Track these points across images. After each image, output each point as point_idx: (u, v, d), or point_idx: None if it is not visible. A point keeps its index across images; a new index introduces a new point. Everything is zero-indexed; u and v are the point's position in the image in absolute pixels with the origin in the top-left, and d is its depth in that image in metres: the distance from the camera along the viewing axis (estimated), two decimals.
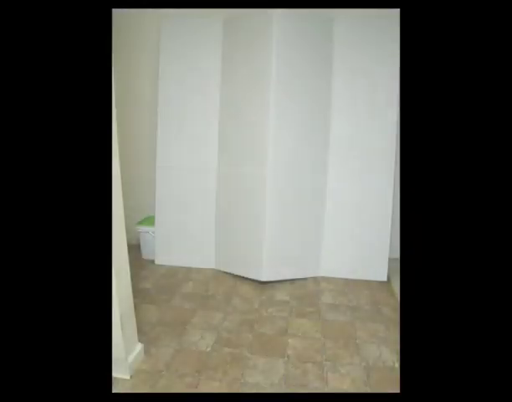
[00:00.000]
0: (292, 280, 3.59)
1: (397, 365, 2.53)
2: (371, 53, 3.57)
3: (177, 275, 3.85)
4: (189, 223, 3.98)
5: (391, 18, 3.34)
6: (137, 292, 3.26)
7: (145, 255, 4.23)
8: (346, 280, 3.82)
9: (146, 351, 2.61)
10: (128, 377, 2.36)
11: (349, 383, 2.38)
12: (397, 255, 3.89)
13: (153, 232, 4.10)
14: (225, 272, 3.90)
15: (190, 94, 3.81)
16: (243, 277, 3.79)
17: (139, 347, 2.52)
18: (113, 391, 2.23)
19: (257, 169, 3.51)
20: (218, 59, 3.72)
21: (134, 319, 2.49)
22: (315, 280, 3.82)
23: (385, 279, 3.78)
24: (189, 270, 3.97)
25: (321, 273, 3.90)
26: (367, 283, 3.75)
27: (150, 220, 4.24)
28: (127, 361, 2.35)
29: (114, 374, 2.35)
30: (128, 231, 2.41)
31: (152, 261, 4.12)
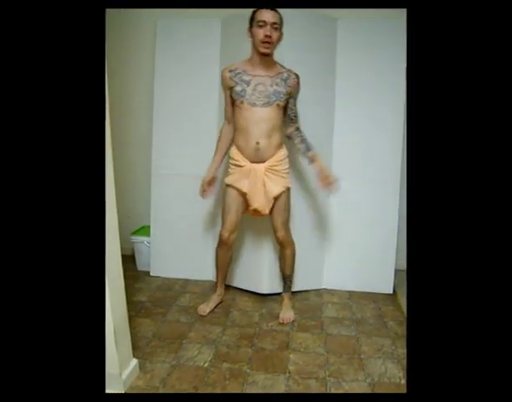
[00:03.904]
0: (294, 293, 3.58)
1: (404, 382, 2.52)
2: (376, 54, 3.58)
3: (174, 288, 3.84)
4: (186, 233, 3.97)
5: (397, 18, 3.34)
6: (132, 305, 3.25)
7: (140, 266, 4.22)
8: (350, 292, 3.82)
9: (141, 366, 2.60)
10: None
11: None
12: (404, 266, 3.88)
13: (148, 242, 4.09)
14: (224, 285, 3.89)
15: (187, 97, 3.81)
16: (243, 290, 3.78)
17: (133, 362, 2.51)
18: None
19: None
20: (217, 59, 3.72)
21: (128, 333, 2.49)
22: (318, 292, 3.81)
23: (391, 291, 3.77)
24: (186, 282, 3.97)
25: (324, 285, 3.89)
26: (372, 296, 3.74)
27: (145, 230, 4.24)
28: (121, 377, 2.34)
29: (107, 391, 2.34)
30: (122, 241, 2.41)
31: (147, 273, 4.11)
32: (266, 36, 2.77)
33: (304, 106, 3.16)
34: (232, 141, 3.16)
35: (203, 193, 3.26)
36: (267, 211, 3.10)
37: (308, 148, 3.05)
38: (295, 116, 3.08)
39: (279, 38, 2.87)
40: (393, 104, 3.58)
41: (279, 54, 2.96)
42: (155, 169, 3.93)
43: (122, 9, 3.93)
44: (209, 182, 3.25)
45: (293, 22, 3.24)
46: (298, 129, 3.09)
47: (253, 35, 2.85)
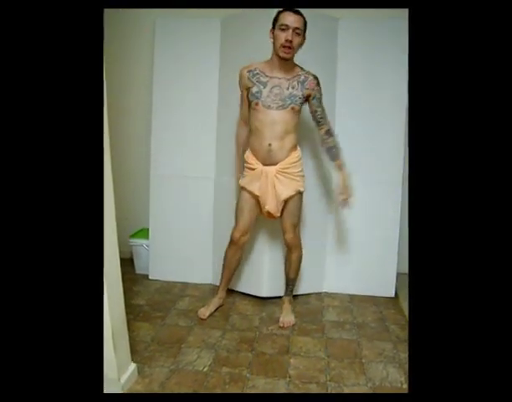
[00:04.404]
0: (294, 297, 3.57)
1: (405, 386, 2.52)
2: (377, 54, 3.58)
3: (173, 291, 3.84)
4: (185, 235, 3.97)
5: (398, 18, 3.34)
6: (130, 309, 3.24)
7: (139, 269, 4.22)
8: (351, 296, 3.82)
9: (140, 371, 2.59)
10: None
11: None
12: (406, 269, 3.88)
13: (147, 245, 4.09)
14: None
15: (186, 97, 3.81)
16: (243, 293, 3.78)
17: (132, 367, 2.51)
18: None
19: None
20: (216, 60, 3.72)
21: (127, 337, 2.48)
22: (319, 296, 3.81)
23: (392, 295, 3.77)
24: (185, 285, 3.97)
25: (325, 288, 3.89)
26: (374, 299, 3.74)
27: (143, 233, 4.23)
28: (120, 382, 2.34)
29: None
30: (120, 244, 2.41)
31: (146, 276, 4.10)
32: (287, 41, 2.75)
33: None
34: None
35: None
36: (278, 214, 3.13)
37: (333, 158, 3.07)
38: (322, 118, 3.05)
39: (301, 43, 2.87)
40: (395, 104, 3.58)
41: None
42: (154, 170, 3.93)
43: (120, 9, 3.93)
44: None
45: None
46: (327, 132, 3.07)
47: (274, 37, 2.84)
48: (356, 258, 3.81)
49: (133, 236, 4.20)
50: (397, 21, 3.39)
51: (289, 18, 2.75)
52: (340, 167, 3.06)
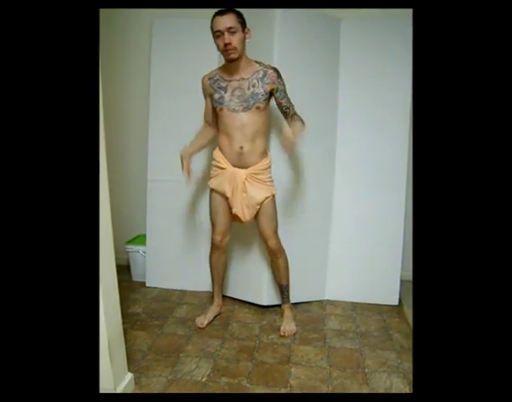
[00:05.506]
0: (295, 304, 3.57)
1: None
2: (380, 56, 3.57)
3: (170, 299, 3.83)
4: (183, 242, 3.97)
5: (402, 18, 3.34)
6: (127, 317, 3.24)
7: (136, 276, 4.22)
8: (354, 303, 3.80)
9: (137, 381, 2.59)
10: None
11: None
12: (410, 276, 3.87)
13: (144, 252, 4.09)
14: (222, 295, 3.86)
15: (184, 100, 3.79)
16: (242, 301, 3.77)
17: (129, 376, 2.50)
18: None
19: None
20: (215, 61, 3.71)
21: (123, 346, 2.47)
22: (320, 303, 3.80)
23: (396, 303, 3.76)
24: (183, 293, 3.96)
25: (327, 296, 3.88)
26: (377, 307, 3.73)
27: (140, 239, 4.23)
28: (116, 392, 2.33)
29: None
30: (117, 251, 2.40)
31: (143, 283, 4.11)
32: (225, 45, 2.78)
33: (307, 107, 3.14)
34: (210, 141, 3.31)
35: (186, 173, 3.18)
36: (247, 218, 3.14)
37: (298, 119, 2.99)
38: (288, 108, 3.00)
39: (244, 38, 2.86)
40: (399, 106, 3.57)
41: (280, 55, 2.96)
42: (151, 176, 3.93)
43: (117, 9, 3.93)
44: (187, 163, 3.17)
45: (295, 22, 3.25)
46: (294, 115, 3.00)
47: (217, 46, 2.88)
48: (359, 265, 3.79)
49: (129, 242, 4.19)
50: (401, 21, 3.39)
51: (219, 23, 2.77)
52: (295, 120, 2.97)
